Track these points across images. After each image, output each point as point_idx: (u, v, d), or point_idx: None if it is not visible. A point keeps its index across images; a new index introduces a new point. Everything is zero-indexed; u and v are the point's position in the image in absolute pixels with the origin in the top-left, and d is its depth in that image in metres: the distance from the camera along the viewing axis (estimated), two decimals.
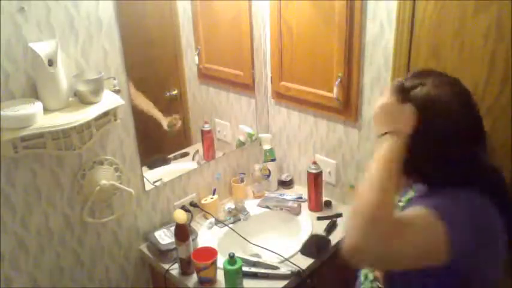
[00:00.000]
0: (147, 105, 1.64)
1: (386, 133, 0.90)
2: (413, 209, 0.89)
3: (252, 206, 1.93)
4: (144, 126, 1.67)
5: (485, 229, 0.89)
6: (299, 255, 1.64)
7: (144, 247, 1.73)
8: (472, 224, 0.87)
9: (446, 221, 0.84)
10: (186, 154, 1.91)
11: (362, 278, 1.12)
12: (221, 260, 1.51)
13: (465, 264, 0.86)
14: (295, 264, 1.56)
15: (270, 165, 2.03)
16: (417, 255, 0.83)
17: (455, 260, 0.84)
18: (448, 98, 0.92)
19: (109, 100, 1.39)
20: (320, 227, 1.77)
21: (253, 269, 1.54)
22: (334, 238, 1.71)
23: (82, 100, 1.36)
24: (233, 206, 1.87)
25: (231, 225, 1.79)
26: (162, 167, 1.82)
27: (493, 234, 0.90)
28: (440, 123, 0.90)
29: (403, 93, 0.93)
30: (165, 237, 1.67)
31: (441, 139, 0.90)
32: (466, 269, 0.87)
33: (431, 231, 0.84)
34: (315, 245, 1.67)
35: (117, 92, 1.47)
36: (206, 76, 1.93)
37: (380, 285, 1.06)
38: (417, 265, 0.86)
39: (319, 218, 1.84)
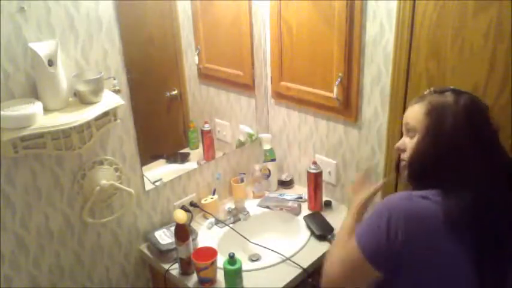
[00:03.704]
0: None
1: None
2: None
3: (252, 206, 1.93)
4: (145, 126, 1.68)
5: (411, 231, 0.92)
6: (300, 254, 1.63)
7: (144, 247, 1.73)
8: (387, 225, 0.93)
9: (356, 238, 1.00)
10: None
11: None
12: (221, 260, 1.51)
13: (393, 265, 0.94)
14: (295, 263, 1.56)
15: (270, 165, 2.03)
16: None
17: (380, 264, 0.95)
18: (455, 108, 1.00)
19: (109, 100, 1.39)
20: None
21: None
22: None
23: (82, 100, 1.36)
24: (233, 206, 1.87)
25: (231, 225, 1.79)
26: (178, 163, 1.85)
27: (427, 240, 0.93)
28: (443, 128, 0.99)
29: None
30: (165, 237, 1.67)
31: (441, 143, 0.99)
32: (396, 270, 0.94)
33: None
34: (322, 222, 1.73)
35: (117, 92, 1.47)
36: (206, 76, 1.93)
37: None
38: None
39: None
